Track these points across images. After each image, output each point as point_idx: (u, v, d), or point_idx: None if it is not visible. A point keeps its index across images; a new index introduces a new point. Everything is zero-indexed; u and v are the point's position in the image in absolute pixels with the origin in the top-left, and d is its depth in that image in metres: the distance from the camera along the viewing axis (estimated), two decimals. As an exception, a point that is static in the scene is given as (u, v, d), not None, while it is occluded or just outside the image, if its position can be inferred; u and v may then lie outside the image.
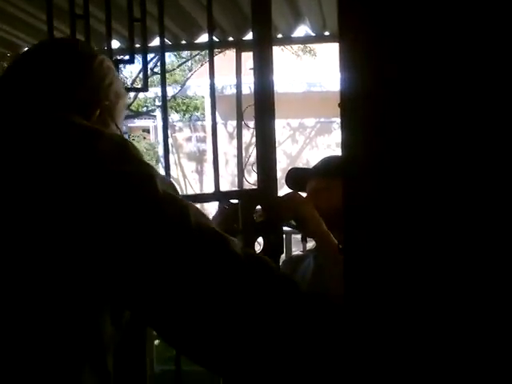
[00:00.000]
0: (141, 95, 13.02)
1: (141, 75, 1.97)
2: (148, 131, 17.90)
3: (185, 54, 13.42)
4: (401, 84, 0.77)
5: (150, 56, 9.46)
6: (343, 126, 0.79)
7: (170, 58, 14.21)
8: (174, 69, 13.89)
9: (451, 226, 0.76)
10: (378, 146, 0.78)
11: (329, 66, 11.15)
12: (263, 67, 1.65)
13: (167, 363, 4.61)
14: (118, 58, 1.74)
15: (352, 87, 0.79)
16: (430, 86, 0.76)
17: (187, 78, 14.19)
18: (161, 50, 1.80)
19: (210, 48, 1.87)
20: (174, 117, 15.57)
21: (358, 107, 0.78)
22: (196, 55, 12.77)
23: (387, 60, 0.78)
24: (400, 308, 0.79)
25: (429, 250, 0.77)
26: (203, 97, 14.28)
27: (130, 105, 11.83)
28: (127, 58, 1.73)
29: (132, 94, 11.50)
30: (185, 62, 14.13)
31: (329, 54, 9.87)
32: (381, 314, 0.80)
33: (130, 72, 13.20)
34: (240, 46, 4.75)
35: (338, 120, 0.81)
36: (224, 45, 4.95)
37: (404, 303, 0.79)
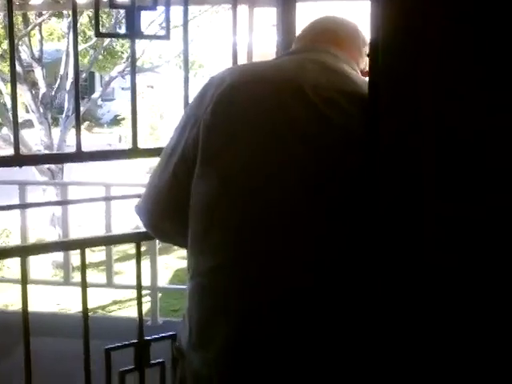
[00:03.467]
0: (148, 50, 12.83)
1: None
2: (152, 87, 17.76)
3: (192, 10, 13.23)
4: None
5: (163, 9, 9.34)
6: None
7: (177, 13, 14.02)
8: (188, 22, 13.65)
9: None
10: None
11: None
12: (287, 25, 1.63)
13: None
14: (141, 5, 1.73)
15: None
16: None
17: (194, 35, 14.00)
18: (184, 1, 1.80)
19: (234, 2, 1.86)
20: (179, 74, 15.42)
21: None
22: (205, 11, 12.57)
23: None
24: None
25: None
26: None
27: (138, 59, 11.70)
28: (150, 5, 1.73)
29: (140, 50, 11.39)
30: (194, 18, 13.91)
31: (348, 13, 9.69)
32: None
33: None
34: (253, 2, 4.68)
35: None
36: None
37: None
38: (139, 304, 2.04)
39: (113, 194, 4.99)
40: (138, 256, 1.98)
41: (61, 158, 1.90)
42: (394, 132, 0.91)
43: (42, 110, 8.98)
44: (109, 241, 2.03)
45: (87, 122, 23.90)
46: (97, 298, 8.00)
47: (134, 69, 1.84)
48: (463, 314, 0.83)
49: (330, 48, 1.36)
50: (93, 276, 8.83)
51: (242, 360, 1.22)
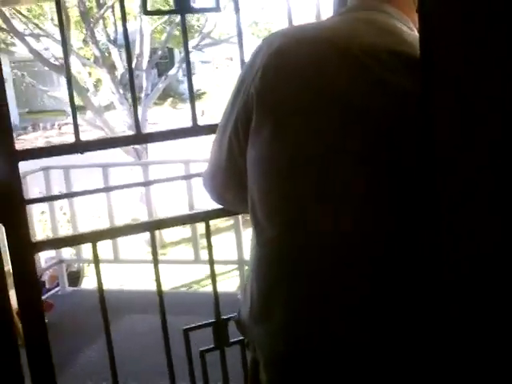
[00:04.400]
0: (222, 22, 12.85)
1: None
2: (231, 59, 17.79)
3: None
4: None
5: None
6: None
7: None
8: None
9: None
10: None
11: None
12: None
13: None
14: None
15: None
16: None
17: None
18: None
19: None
20: (256, 43, 15.31)
21: None
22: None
23: None
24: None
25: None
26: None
27: (211, 32, 11.76)
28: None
29: (213, 21, 11.42)
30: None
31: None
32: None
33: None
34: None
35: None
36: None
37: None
38: (213, 282, 2.03)
39: (193, 170, 5.03)
40: (208, 235, 1.96)
41: (120, 142, 1.88)
42: (450, 93, 0.83)
43: (121, 91, 9.15)
44: (178, 222, 2.01)
45: (170, 99, 24.31)
46: (191, 273, 8.20)
47: (186, 45, 1.81)
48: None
49: (383, 6, 1.28)
50: (185, 251, 9.05)
51: (309, 330, 1.19)
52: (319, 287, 1.17)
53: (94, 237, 1.83)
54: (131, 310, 4.57)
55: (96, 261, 1.85)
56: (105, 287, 1.86)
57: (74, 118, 1.74)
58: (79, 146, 1.70)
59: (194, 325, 2.00)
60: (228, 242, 5.79)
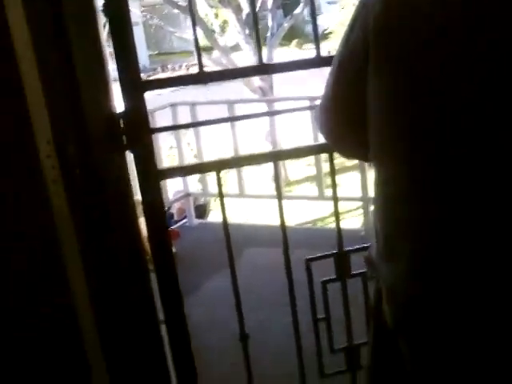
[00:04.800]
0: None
1: None
2: None
3: None
4: None
5: None
6: None
7: None
8: None
9: None
10: None
11: None
12: None
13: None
14: None
15: None
16: None
17: None
18: None
19: None
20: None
21: None
22: None
23: None
24: None
25: None
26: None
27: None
28: None
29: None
30: None
31: None
32: None
33: None
34: None
35: None
36: None
37: None
38: (336, 214, 2.04)
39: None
40: (331, 162, 1.93)
41: (242, 72, 1.90)
42: None
43: (247, 32, 9.16)
44: (302, 153, 2.01)
45: (296, 40, 23.97)
46: (315, 211, 8.24)
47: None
48: None
49: None
50: (309, 189, 9.08)
51: (432, 274, 1.15)
52: (432, 229, 1.14)
53: (217, 165, 1.87)
54: (255, 244, 4.66)
55: (220, 189, 1.88)
56: (230, 221, 1.90)
57: (198, 49, 1.77)
58: (202, 76, 1.73)
59: (314, 255, 2.02)
60: (354, 180, 5.74)
